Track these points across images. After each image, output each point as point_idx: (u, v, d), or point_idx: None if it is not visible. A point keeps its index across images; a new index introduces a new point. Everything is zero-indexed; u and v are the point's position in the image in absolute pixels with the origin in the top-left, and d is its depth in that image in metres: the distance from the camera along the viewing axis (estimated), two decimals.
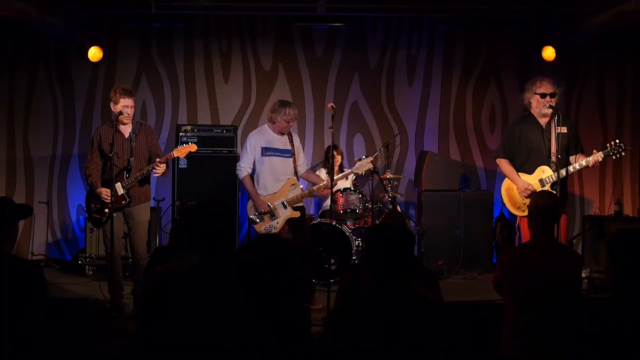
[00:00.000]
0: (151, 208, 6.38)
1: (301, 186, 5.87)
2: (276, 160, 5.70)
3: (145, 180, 5.51)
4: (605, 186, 7.94)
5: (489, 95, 7.96)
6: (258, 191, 5.70)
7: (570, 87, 7.93)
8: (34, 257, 7.59)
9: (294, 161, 5.79)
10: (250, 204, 5.76)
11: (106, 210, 5.35)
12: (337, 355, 2.35)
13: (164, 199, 7.09)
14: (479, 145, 7.96)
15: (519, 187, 5.25)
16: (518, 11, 7.50)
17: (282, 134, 5.74)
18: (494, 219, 7.23)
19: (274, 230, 5.69)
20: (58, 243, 7.85)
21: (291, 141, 5.81)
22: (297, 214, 5.70)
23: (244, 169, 5.72)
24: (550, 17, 7.50)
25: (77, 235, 7.80)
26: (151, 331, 2.65)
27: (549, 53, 7.41)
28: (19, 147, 7.85)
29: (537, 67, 7.78)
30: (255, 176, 5.76)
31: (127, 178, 5.39)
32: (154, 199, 7.05)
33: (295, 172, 5.81)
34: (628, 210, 7.69)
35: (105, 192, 5.29)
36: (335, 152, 6.51)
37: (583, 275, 6.15)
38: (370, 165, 5.82)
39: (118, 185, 5.36)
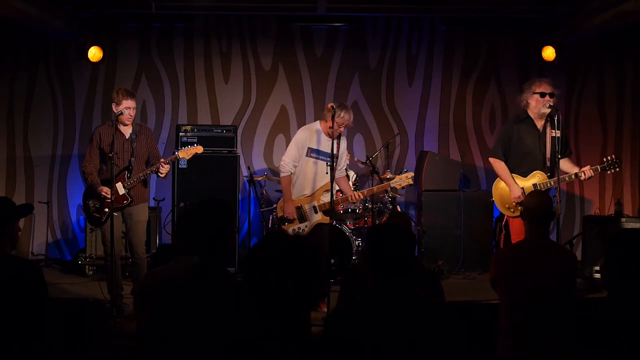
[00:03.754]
0: (151, 208, 6.39)
1: (338, 191, 5.75)
2: (318, 163, 5.56)
3: (145, 180, 5.53)
4: (605, 186, 7.95)
5: (489, 95, 7.96)
6: (293, 189, 5.56)
7: (570, 87, 7.94)
8: (34, 257, 7.59)
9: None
10: (280, 203, 5.68)
11: (106, 209, 5.35)
12: (337, 355, 2.35)
13: (164, 199, 7.09)
14: (479, 145, 7.96)
15: (513, 193, 5.26)
16: (518, 11, 7.50)
17: (331, 137, 5.44)
18: (494, 219, 7.22)
19: (301, 233, 5.61)
20: (58, 243, 7.85)
21: (338, 144, 5.58)
22: (327, 219, 5.53)
23: (287, 166, 5.55)
24: (550, 17, 7.50)
25: (77, 235, 7.80)
26: (150, 331, 2.65)
27: (549, 53, 7.40)
28: (19, 147, 7.85)
29: (537, 67, 7.78)
30: (294, 174, 5.62)
31: (128, 178, 5.40)
32: (154, 199, 7.06)
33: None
34: (628, 210, 7.69)
35: (106, 191, 5.28)
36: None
37: (584, 275, 6.16)
38: (410, 181, 5.67)
39: (119, 185, 5.36)
